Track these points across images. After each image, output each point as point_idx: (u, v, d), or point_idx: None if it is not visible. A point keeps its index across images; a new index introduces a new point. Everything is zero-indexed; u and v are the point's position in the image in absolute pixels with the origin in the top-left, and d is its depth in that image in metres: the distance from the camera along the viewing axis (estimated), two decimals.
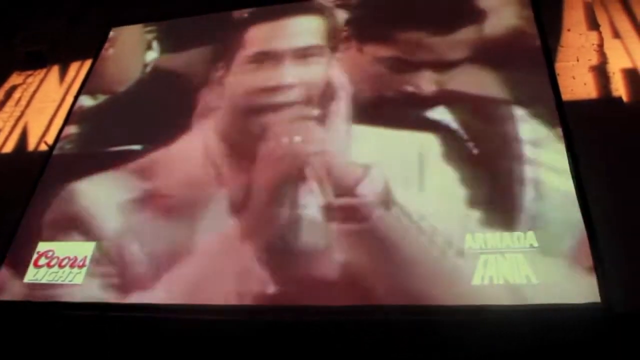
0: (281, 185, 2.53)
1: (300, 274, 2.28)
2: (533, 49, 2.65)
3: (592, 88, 2.54)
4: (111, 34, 3.69)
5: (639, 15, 2.84)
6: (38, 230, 2.81)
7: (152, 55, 3.46)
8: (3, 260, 2.75)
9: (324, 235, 2.34)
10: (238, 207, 2.54)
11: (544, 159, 2.30)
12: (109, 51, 3.60)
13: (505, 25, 2.79)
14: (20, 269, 2.68)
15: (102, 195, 2.82)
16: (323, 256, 2.29)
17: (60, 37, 3.91)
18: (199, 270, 2.42)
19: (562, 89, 2.49)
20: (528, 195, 2.22)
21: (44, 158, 3.16)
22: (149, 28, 3.64)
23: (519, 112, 2.46)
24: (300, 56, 2.96)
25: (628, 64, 2.65)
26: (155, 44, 3.53)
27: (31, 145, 3.42)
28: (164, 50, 3.48)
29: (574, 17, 2.80)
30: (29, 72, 3.86)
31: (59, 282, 2.58)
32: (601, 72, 2.58)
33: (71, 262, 2.62)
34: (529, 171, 2.28)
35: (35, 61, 3.87)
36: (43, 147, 3.29)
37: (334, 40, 3.00)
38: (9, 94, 3.78)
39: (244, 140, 2.76)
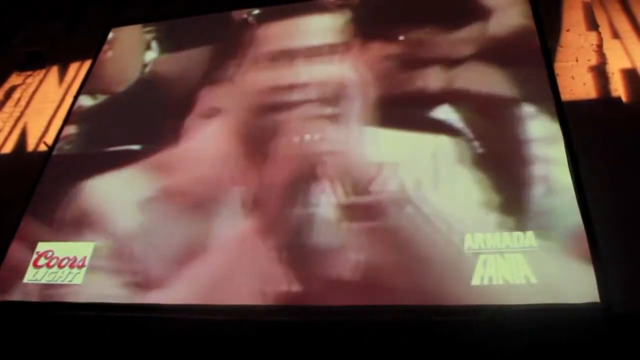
0: (295, 184, 2.52)
1: (315, 273, 2.26)
2: (537, 47, 2.66)
3: (591, 88, 2.55)
4: (110, 34, 3.68)
5: (638, 15, 2.84)
6: (38, 230, 2.80)
7: (151, 56, 3.46)
8: (2, 261, 2.74)
9: (338, 234, 2.33)
10: (252, 206, 2.53)
11: (546, 159, 2.30)
12: (107, 52, 3.59)
13: (510, 23, 2.79)
14: (19, 269, 2.67)
15: (115, 193, 2.81)
16: (338, 254, 2.27)
17: (60, 38, 3.91)
18: (213, 269, 2.40)
19: (561, 89, 2.49)
20: (531, 195, 2.22)
21: (43, 158, 3.15)
22: (148, 28, 3.64)
23: (527, 110, 2.46)
24: (314, 55, 2.95)
25: (627, 64, 2.65)
26: (154, 44, 3.52)
27: (30, 145, 3.42)
28: (163, 50, 3.48)
29: (573, 18, 2.80)
30: (29, 73, 3.86)
31: (59, 282, 2.57)
32: (600, 72, 2.59)
33: (70, 262, 2.61)
34: (534, 170, 2.28)
35: (35, 62, 3.87)
36: (42, 148, 3.29)
37: (346, 39, 2.99)
38: (8, 95, 3.78)
39: (257, 139, 2.75)
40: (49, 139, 3.29)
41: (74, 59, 3.76)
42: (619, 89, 2.53)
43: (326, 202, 2.43)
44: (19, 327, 2.52)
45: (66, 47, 3.85)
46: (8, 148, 3.47)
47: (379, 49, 2.89)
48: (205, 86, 3.11)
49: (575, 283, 1.97)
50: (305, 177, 2.53)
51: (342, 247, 2.28)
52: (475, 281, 2.06)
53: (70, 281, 2.56)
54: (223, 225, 2.51)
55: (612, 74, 2.57)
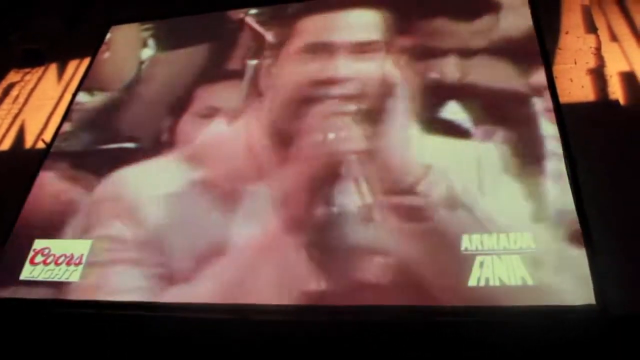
0: (325, 181, 2.47)
1: (343, 272, 2.22)
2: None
3: (589, 91, 2.55)
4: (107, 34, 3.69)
5: (636, 19, 2.85)
6: (35, 227, 2.80)
7: (148, 53, 3.47)
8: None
9: (371, 233, 2.28)
10: (280, 202, 2.48)
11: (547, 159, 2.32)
12: (105, 51, 3.59)
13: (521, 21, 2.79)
14: (16, 267, 2.67)
15: (143, 185, 2.78)
16: (370, 255, 2.22)
17: (59, 35, 3.90)
18: (238, 266, 2.36)
19: (559, 92, 2.49)
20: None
21: (41, 156, 3.15)
22: (145, 26, 3.64)
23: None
24: (357, 51, 2.88)
25: (625, 67, 2.66)
26: (151, 42, 3.53)
27: (28, 142, 3.42)
28: (159, 48, 3.48)
29: (572, 20, 2.81)
30: (27, 70, 3.85)
31: (55, 279, 2.57)
32: (599, 75, 2.59)
33: (67, 259, 2.61)
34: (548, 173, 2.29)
35: (34, 59, 3.86)
36: (40, 145, 3.28)
37: (390, 36, 2.92)
38: (6, 92, 3.77)
39: (290, 133, 2.69)
40: (47, 136, 3.28)
41: (73, 57, 3.76)
42: (617, 91, 2.54)
43: (358, 201, 2.38)
44: (16, 324, 2.52)
45: (65, 45, 3.85)
46: (6, 145, 3.46)
47: (423, 51, 2.82)
48: (203, 84, 3.10)
49: (571, 285, 1.98)
50: (337, 174, 2.47)
51: (376, 247, 2.24)
52: (472, 282, 2.06)
53: (67, 279, 2.55)
54: (249, 222, 2.46)
55: (610, 76, 2.58)
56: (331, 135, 2.61)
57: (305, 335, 2.14)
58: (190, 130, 2.94)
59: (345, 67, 2.83)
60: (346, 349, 2.08)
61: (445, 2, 3.01)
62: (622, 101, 2.52)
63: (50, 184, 2.98)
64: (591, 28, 2.77)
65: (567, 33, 2.77)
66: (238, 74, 3.09)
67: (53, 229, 2.76)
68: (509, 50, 2.68)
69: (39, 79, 3.77)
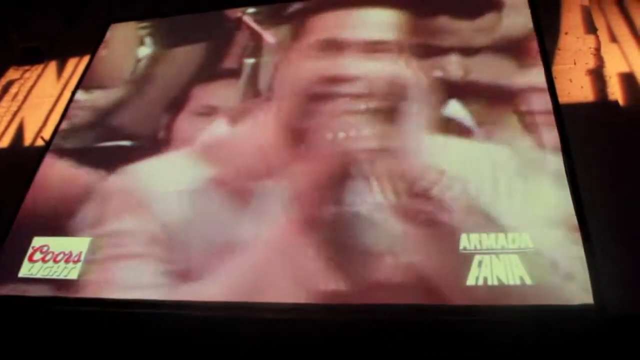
0: (339, 180, 2.45)
1: (357, 272, 2.20)
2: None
3: (588, 91, 2.56)
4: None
5: (635, 20, 2.85)
6: (34, 225, 2.80)
7: (145, 51, 3.47)
8: None
9: (385, 234, 2.26)
10: (293, 200, 2.46)
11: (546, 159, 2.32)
12: (102, 49, 3.60)
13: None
14: (15, 264, 2.67)
15: (159, 178, 2.77)
16: (383, 255, 2.21)
17: (58, 33, 3.90)
18: (251, 264, 2.35)
19: (559, 92, 2.50)
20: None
21: (40, 153, 3.14)
22: (142, 24, 3.64)
23: None
24: (369, 50, 2.82)
25: (625, 68, 2.67)
26: (148, 40, 3.53)
27: (28, 140, 3.41)
28: (156, 46, 3.49)
29: (571, 21, 2.81)
30: (26, 68, 3.85)
31: (54, 277, 2.57)
32: (598, 75, 2.60)
33: (66, 257, 2.61)
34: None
35: (33, 57, 3.86)
36: (40, 143, 3.28)
37: (404, 36, 2.86)
38: (5, 89, 3.77)
39: (301, 130, 2.67)
40: (47, 134, 3.28)
41: (73, 55, 3.75)
42: (616, 92, 2.54)
43: (370, 200, 2.36)
44: (14, 321, 2.52)
45: (64, 43, 3.85)
46: (5, 142, 3.46)
47: (436, 51, 2.78)
48: (200, 83, 3.11)
49: (569, 284, 1.98)
50: (348, 173, 2.46)
51: (389, 248, 2.22)
52: (470, 281, 2.06)
53: (65, 276, 2.55)
54: (261, 220, 2.44)
55: (610, 77, 2.58)
56: (341, 134, 2.58)
57: (308, 334, 2.15)
58: (187, 128, 2.94)
59: (356, 65, 2.79)
60: (346, 347, 2.08)
61: (448, 1, 2.99)
62: (621, 102, 2.53)
63: (49, 181, 2.98)
64: (591, 29, 2.77)
65: (566, 34, 2.77)
66: (235, 73, 3.09)
67: (55, 225, 2.75)
68: (509, 50, 2.68)
69: (39, 76, 3.77)
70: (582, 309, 1.93)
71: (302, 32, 3.08)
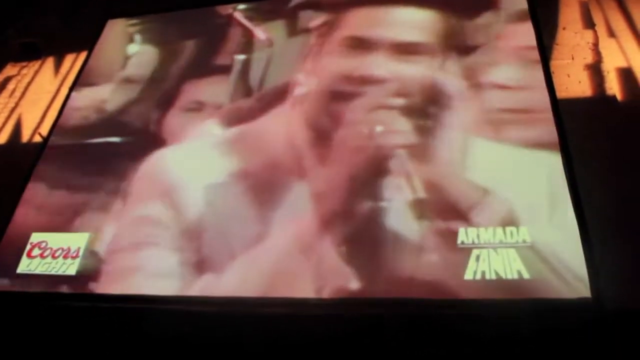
0: (365, 176, 2.39)
1: (382, 271, 2.17)
2: None
3: (586, 86, 2.56)
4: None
5: (634, 14, 2.85)
6: (32, 221, 2.80)
7: (135, 48, 3.48)
8: None
9: (414, 231, 2.22)
10: (322, 196, 2.41)
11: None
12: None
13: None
14: (13, 260, 2.67)
15: (184, 169, 2.71)
16: (412, 252, 2.17)
17: (56, 29, 3.90)
18: (274, 258, 2.32)
19: (556, 87, 2.49)
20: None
21: (38, 149, 3.14)
22: (132, 21, 3.65)
23: None
24: (402, 51, 2.64)
25: (623, 63, 2.66)
26: (138, 37, 3.53)
27: (25, 136, 3.41)
28: (147, 42, 3.49)
29: (569, 16, 2.81)
30: (24, 64, 3.85)
31: (52, 272, 2.57)
32: (596, 70, 2.59)
33: (64, 253, 2.61)
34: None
35: (30, 53, 3.86)
36: (37, 139, 3.28)
37: (442, 39, 2.70)
38: (3, 85, 3.77)
39: (332, 125, 2.57)
40: (44, 130, 3.27)
41: (70, 51, 3.75)
42: (614, 87, 2.54)
43: (409, 196, 2.31)
44: (13, 317, 2.52)
45: (62, 39, 3.84)
46: (2, 139, 3.46)
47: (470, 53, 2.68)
48: (190, 79, 3.11)
49: (567, 279, 1.99)
50: (377, 170, 2.40)
51: (417, 245, 2.19)
52: (468, 276, 2.07)
53: (64, 272, 2.55)
54: (288, 215, 2.41)
55: (608, 72, 2.58)
56: (378, 128, 2.49)
57: (311, 329, 2.14)
58: (177, 124, 2.93)
59: (386, 66, 2.63)
60: (343, 342, 2.09)
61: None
62: (619, 97, 2.53)
63: (46, 178, 2.98)
64: (589, 24, 2.77)
65: (564, 29, 2.77)
66: (226, 69, 3.08)
67: (53, 221, 2.76)
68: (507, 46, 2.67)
69: (36, 72, 3.77)
70: (580, 303, 1.93)
71: (331, 27, 2.94)
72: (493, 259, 2.08)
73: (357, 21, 2.90)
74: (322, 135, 2.57)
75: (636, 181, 2.21)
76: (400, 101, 2.53)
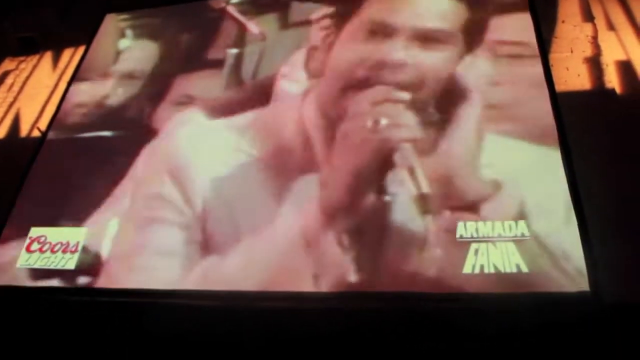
0: (370, 169, 2.34)
1: (384, 264, 2.17)
2: None
3: (585, 79, 2.55)
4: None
5: (633, 7, 2.84)
6: (31, 215, 2.80)
7: (126, 43, 3.48)
8: None
9: (419, 225, 2.21)
10: (327, 187, 2.39)
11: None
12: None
13: None
14: (12, 254, 2.67)
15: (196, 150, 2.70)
16: (415, 248, 2.16)
17: (54, 23, 3.88)
18: (277, 248, 2.31)
19: (555, 80, 2.48)
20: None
21: (36, 144, 3.14)
22: (123, 16, 3.64)
23: None
24: (421, 38, 2.53)
25: (622, 56, 2.66)
26: (129, 32, 3.54)
27: (24, 131, 3.41)
28: (139, 37, 3.49)
29: (568, 9, 2.80)
30: (22, 58, 3.84)
31: (52, 267, 2.57)
32: (595, 63, 2.59)
33: (63, 247, 2.61)
34: None
35: (28, 47, 3.85)
36: (36, 133, 3.27)
37: (470, 35, 2.59)
38: (1, 80, 3.76)
39: (338, 115, 2.50)
40: (43, 124, 3.27)
41: (68, 45, 3.74)
42: (613, 80, 2.53)
43: (413, 190, 2.28)
44: (13, 311, 2.53)
45: (60, 33, 3.83)
46: (1, 133, 3.46)
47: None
48: (182, 73, 3.10)
49: (566, 272, 1.99)
50: (383, 163, 2.35)
51: (419, 240, 2.18)
52: (467, 269, 2.07)
53: (63, 266, 2.56)
54: (293, 205, 2.40)
55: (607, 65, 2.57)
56: (384, 121, 2.41)
57: (311, 321, 2.15)
58: (167, 118, 2.92)
59: (404, 52, 2.53)
60: (338, 337, 2.10)
61: None
62: (618, 90, 2.52)
63: (45, 172, 2.99)
64: (588, 16, 2.76)
65: (563, 22, 2.76)
66: (218, 63, 3.07)
67: (52, 215, 2.76)
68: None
69: (34, 67, 3.76)
70: (578, 296, 1.94)
71: (342, 16, 2.82)
72: (492, 253, 2.08)
73: (377, 7, 2.83)
74: (331, 124, 2.51)
75: (635, 175, 2.21)
76: (407, 95, 2.45)
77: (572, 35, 2.70)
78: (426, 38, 2.53)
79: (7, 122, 3.50)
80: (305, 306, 2.19)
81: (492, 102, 2.45)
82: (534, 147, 2.31)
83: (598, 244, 2.03)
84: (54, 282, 2.54)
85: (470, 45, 2.59)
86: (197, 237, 2.43)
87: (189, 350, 2.24)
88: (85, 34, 3.60)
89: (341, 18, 2.81)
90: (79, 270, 2.54)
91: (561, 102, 2.41)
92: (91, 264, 2.55)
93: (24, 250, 2.68)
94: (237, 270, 2.32)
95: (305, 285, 2.22)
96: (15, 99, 3.62)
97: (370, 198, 2.32)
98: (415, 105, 2.45)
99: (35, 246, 2.67)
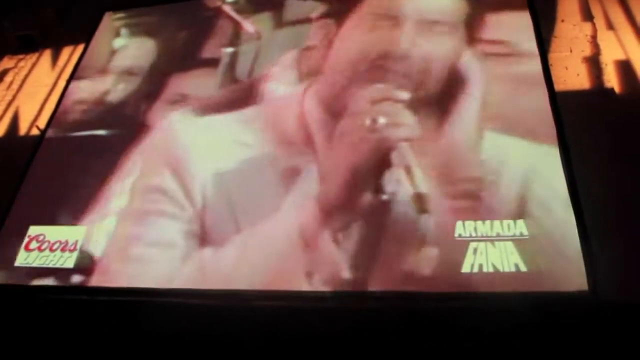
0: (370, 167, 2.34)
1: (381, 263, 2.17)
2: None
3: (584, 79, 2.55)
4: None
5: (632, 7, 2.84)
6: (30, 213, 2.81)
7: (121, 42, 3.47)
8: None
9: (418, 225, 2.21)
10: (323, 185, 2.38)
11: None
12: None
13: None
14: (11, 253, 2.67)
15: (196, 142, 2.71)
16: (413, 247, 2.17)
17: (53, 21, 3.88)
18: (273, 245, 2.31)
19: (555, 79, 2.48)
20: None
21: (35, 142, 3.14)
22: (118, 15, 3.64)
23: None
24: (425, 28, 2.53)
25: (621, 56, 2.66)
26: (124, 31, 3.53)
27: (23, 129, 3.40)
28: (132, 36, 3.49)
29: (568, 8, 2.80)
30: (21, 56, 3.83)
31: (50, 265, 2.57)
32: (594, 63, 2.59)
33: (62, 246, 2.61)
34: None
35: (28, 45, 3.84)
36: (35, 132, 3.27)
37: (470, 29, 2.62)
38: (0, 78, 3.75)
39: (338, 111, 2.49)
40: (42, 123, 3.27)
41: (67, 43, 3.73)
42: (612, 80, 2.53)
43: (410, 190, 2.27)
44: (11, 310, 2.53)
45: (59, 31, 3.83)
46: (0, 132, 3.45)
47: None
48: (177, 72, 3.10)
49: (564, 271, 1.99)
50: (380, 161, 2.34)
51: (417, 239, 2.18)
52: (466, 269, 2.07)
53: (61, 265, 2.56)
54: (293, 196, 2.39)
55: (606, 65, 2.57)
56: (382, 120, 2.39)
57: (308, 321, 2.15)
58: (160, 116, 2.92)
59: (409, 44, 2.52)
60: (336, 336, 2.10)
61: None
62: (617, 89, 2.52)
63: (44, 170, 2.99)
64: (587, 16, 2.76)
65: (563, 21, 2.76)
66: (214, 62, 3.07)
67: (50, 214, 2.76)
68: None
69: (33, 65, 3.75)
70: (577, 295, 1.94)
71: (347, 10, 2.80)
72: (491, 252, 2.08)
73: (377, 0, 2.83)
74: (334, 119, 2.49)
75: (634, 174, 2.21)
76: (406, 94, 2.44)
77: (572, 34, 2.70)
78: (430, 29, 2.53)
79: (6, 120, 3.50)
80: (303, 305, 2.19)
81: (491, 99, 2.45)
82: (533, 145, 2.32)
83: (596, 243, 2.03)
84: (53, 281, 2.54)
85: (470, 41, 2.61)
86: (195, 230, 2.44)
87: (184, 348, 2.23)
88: (84, 33, 3.60)
89: (340, 15, 2.81)
90: (77, 268, 2.54)
91: (560, 102, 2.41)
92: (89, 262, 2.55)
93: (22, 248, 2.68)
94: (234, 265, 2.32)
95: (299, 282, 2.21)
96: (14, 97, 3.61)
97: (368, 197, 2.31)
98: (417, 97, 2.44)
99: (34, 245, 2.67)
